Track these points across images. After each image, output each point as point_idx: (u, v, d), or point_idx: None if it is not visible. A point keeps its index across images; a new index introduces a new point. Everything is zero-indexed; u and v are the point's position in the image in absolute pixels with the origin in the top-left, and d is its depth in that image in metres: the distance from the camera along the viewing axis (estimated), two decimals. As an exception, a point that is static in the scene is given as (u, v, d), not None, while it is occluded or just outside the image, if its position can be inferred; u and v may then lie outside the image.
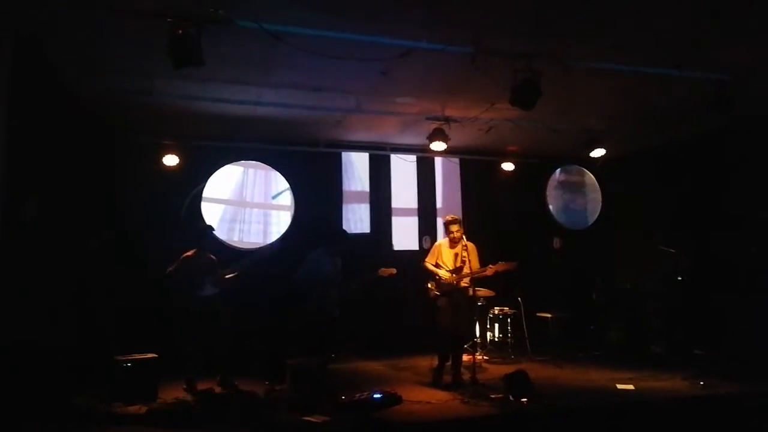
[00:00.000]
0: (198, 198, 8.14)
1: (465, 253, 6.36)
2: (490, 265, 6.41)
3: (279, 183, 8.77)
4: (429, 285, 6.56)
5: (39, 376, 5.33)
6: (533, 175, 9.75)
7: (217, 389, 6.08)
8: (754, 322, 6.84)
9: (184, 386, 5.99)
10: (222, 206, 8.58)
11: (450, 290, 6.41)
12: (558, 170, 10.13)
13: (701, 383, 6.07)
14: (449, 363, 6.47)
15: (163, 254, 6.43)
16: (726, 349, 6.85)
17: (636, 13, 4.53)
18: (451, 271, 6.46)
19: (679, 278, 7.54)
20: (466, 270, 6.38)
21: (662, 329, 7.88)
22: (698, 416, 5.45)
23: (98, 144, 7.33)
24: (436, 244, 6.87)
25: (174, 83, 5.87)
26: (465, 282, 6.44)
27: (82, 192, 6.74)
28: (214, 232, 6.95)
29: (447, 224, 6.61)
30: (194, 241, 6.44)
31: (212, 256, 6.46)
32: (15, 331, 4.76)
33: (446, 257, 6.58)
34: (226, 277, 6.26)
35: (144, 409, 5.23)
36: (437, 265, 6.59)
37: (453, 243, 6.57)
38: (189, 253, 6.27)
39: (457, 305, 6.40)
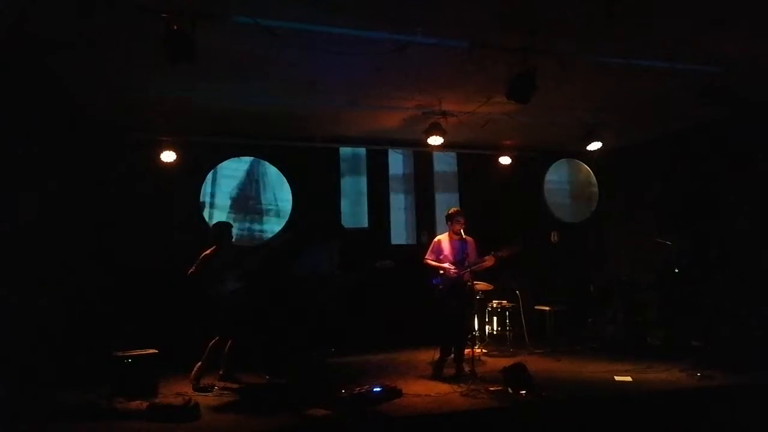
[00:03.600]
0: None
1: (466, 247, 6.41)
2: (492, 252, 6.42)
3: (277, 179, 8.76)
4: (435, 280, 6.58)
5: (39, 371, 5.36)
6: (530, 168, 9.76)
7: (219, 384, 6.10)
8: (751, 313, 6.88)
9: (221, 375, 6.13)
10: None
11: (455, 283, 6.44)
12: (555, 163, 10.14)
13: (698, 375, 6.10)
14: (451, 357, 6.50)
15: (162, 250, 6.44)
16: (723, 340, 6.88)
17: (630, 6, 4.54)
18: (455, 264, 6.49)
19: (676, 270, 7.57)
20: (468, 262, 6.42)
21: (659, 321, 7.93)
22: (696, 407, 5.48)
23: (95, 140, 7.33)
24: (435, 239, 6.85)
25: (170, 79, 5.86)
26: (467, 275, 6.46)
27: (79, 189, 6.75)
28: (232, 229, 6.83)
29: (453, 215, 6.57)
30: (213, 239, 6.35)
31: (235, 251, 6.43)
32: (16, 327, 4.77)
33: (448, 251, 6.59)
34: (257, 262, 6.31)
35: (145, 404, 5.23)
36: (440, 261, 6.61)
37: (454, 236, 6.59)
38: (207, 252, 6.21)
39: (461, 298, 6.43)
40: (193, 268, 6.09)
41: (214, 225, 6.70)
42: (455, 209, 6.74)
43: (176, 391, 5.79)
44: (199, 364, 6.01)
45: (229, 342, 6.18)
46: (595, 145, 8.04)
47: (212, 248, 6.24)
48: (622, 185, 9.67)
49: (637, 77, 6.01)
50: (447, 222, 6.71)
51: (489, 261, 6.45)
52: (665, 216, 8.53)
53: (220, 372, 6.22)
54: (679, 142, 8.37)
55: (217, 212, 8.37)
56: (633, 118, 7.75)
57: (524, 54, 5.16)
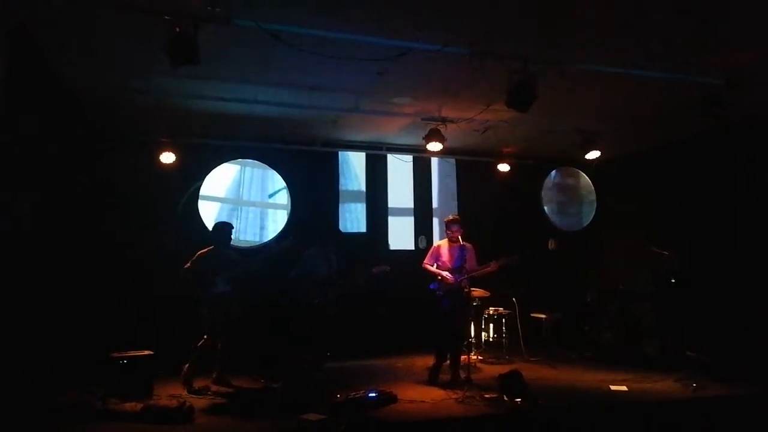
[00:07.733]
0: (195, 195, 8.16)
1: (465, 253, 6.43)
2: (493, 261, 6.46)
3: (276, 181, 8.81)
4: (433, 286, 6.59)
5: (34, 372, 5.33)
6: (529, 176, 9.78)
7: (213, 387, 6.09)
8: (746, 324, 6.89)
9: (214, 378, 6.14)
10: (218, 204, 8.61)
11: (453, 290, 6.45)
12: (553, 172, 10.17)
13: (693, 385, 6.11)
14: (446, 363, 6.51)
15: (160, 251, 6.43)
16: (718, 351, 6.89)
17: (631, 17, 4.57)
18: (453, 271, 6.50)
19: (672, 280, 7.58)
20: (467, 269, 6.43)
21: (655, 331, 7.92)
22: (690, 418, 5.49)
23: (95, 141, 7.33)
24: (435, 245, 6.91)
25: (171, 81, 5.88)
26: (465, 281, 6.47)
27: (77, 189, 6.74)
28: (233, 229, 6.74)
29: (449, 224, 6.66)
30: (211, 238, 6.42)
31: (232, 252, 6.45)
32: (10, 327, 4.76)
33: (447, 257, 6.61)
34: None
35: (139, 406, 5.23)
36: (438, 267, 6.63)
37: (453, 243, 6.61)
38: (203, 251, 6.24)
39: (459, 305, 6.45)
40: (189, 263, 6.14)
41: (214, 224, 6.72)
42: (452, 217, 6.80)
43: (171, 393, 5.78)
44: (188, 365, 6.01)
45: (220, 344, 6.16)
46: (593, 154, 8.05)
47: (209, 248, 6.27)
48: (620, 194, 9.68)
49: (637, 86, 6.03)
50: (445, 229, 6.75)
51: (492, 267, 6.47)
52: (663, 225, 8.54)
53: (214, 375, 6.21)
54: (678, 151, 8.39)
55: (213, 214, 8.39)
56: (632, 127, 7.77)
57: (525, 62, 5.18)
